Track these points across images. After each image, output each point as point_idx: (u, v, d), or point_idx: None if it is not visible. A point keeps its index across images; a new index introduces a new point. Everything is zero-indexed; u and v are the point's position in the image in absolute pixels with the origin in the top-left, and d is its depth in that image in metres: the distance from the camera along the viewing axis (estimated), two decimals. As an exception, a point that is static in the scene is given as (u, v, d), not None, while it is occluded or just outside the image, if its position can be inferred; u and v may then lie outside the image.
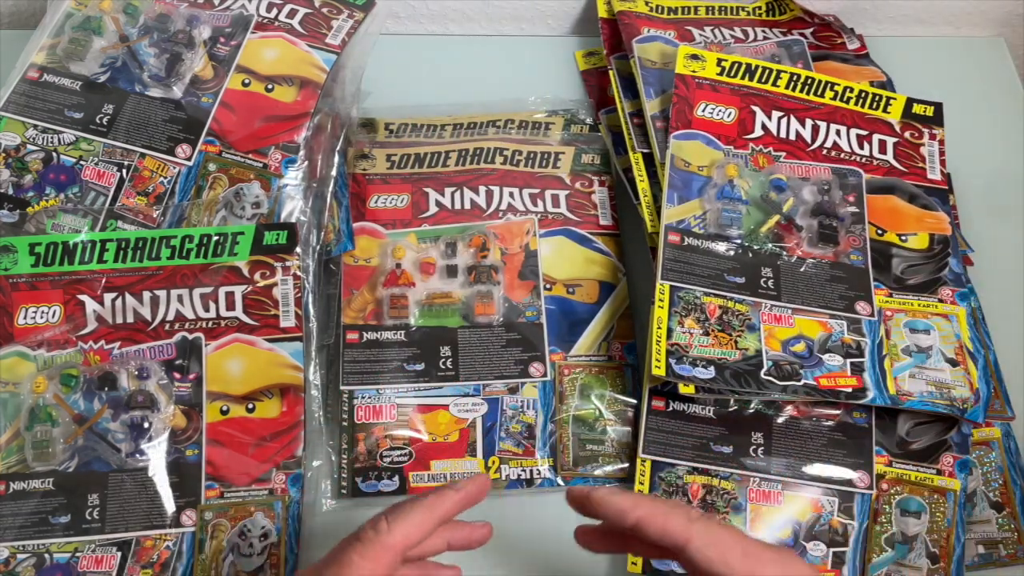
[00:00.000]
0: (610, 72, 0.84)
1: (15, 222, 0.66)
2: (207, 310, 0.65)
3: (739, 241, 0.71)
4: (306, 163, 0.70)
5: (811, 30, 0.90)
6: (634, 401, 0.71)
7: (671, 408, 0.68)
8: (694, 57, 0.78)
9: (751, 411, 0.69)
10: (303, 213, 0.68)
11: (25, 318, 0.64)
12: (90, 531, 0.60)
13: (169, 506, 0.61)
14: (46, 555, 0.60)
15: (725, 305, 0.69)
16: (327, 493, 0.67)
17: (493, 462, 0.68)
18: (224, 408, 0.64)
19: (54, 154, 0.68)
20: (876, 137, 0.78)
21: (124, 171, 0.68)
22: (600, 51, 0.89)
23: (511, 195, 0.77)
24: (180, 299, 0.65)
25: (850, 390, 0.67)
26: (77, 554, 0.60)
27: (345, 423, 0.68)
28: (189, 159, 0.69)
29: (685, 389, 0.66)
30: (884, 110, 0.79)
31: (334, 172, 0.72)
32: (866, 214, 0.74)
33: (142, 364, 0.63)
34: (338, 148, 0.73)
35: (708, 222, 0.72)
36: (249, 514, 0.62)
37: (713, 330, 0.68)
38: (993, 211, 0.84)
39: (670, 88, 0.77)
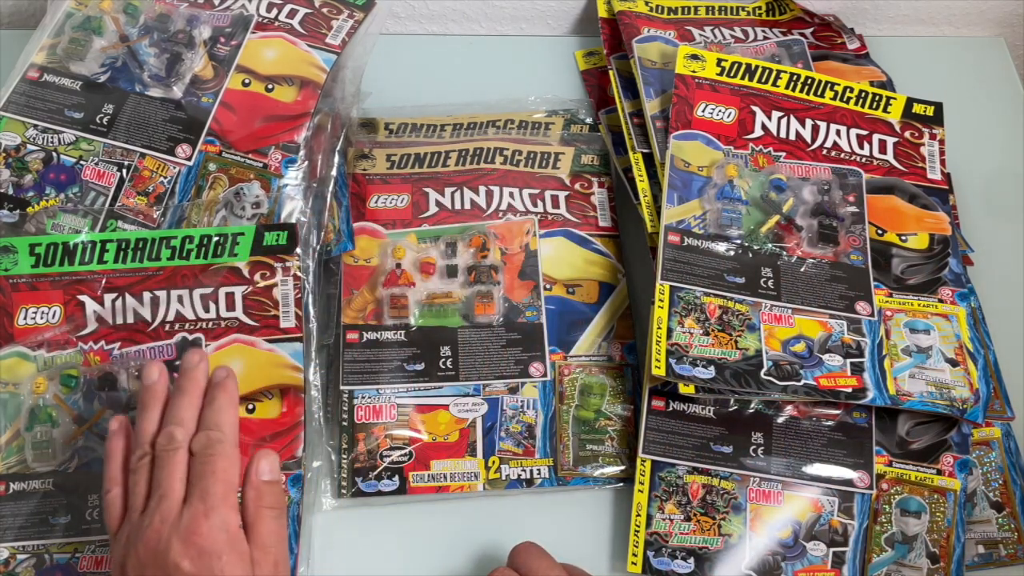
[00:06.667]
0: (610, 72, 0.84)
1: (15, 222, 0.66)
2: (207, 311, 0.65)
3: (739, 241, 0.71)
4: (306, 163, 0.70)
5: (811, 30, 0.90)
6: (634, 401, 0.71)
7: (671, 408, 0.68)
8: (694, 57, 0.78)
9: (751, 411, 0.69)
10: (303, 213, 0.68)
11: (25, 318, 0.63)
12: (90, 531, 0.60)
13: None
14: (46, 555, 0.60)
15: (725, 305, 0.69)
16: (327, 493, 0.67)
17: (493, 462, 0.68)
18: (224, 408, 0.63)
19: (54, 154, 0.68)
20: (876, 137, 0.78)
21: (124, 171, 0.68)
22: (600, 51, 0.89)
23: (511, 195, 0.77)
24: (180, 300, 0.65)
25: (850, 390, 0.67)
26: (77, 554, 0.60)
27: (345, 423, 0.68)
28: (189, 159, 0.69)
29: (685, 389, 0.66)
30: (884, 110, 0.79)
31: (334, 172, 0.72)
32: (866, 214, 0.74)
33: (142, 365, 0.63)
34: (338, 148, 0.73)
35: (708, 222, 0.72)
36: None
37: (713, 330, 0.68)
38: (993, 211, 0.84)
39: (670, 88, 0.77)
